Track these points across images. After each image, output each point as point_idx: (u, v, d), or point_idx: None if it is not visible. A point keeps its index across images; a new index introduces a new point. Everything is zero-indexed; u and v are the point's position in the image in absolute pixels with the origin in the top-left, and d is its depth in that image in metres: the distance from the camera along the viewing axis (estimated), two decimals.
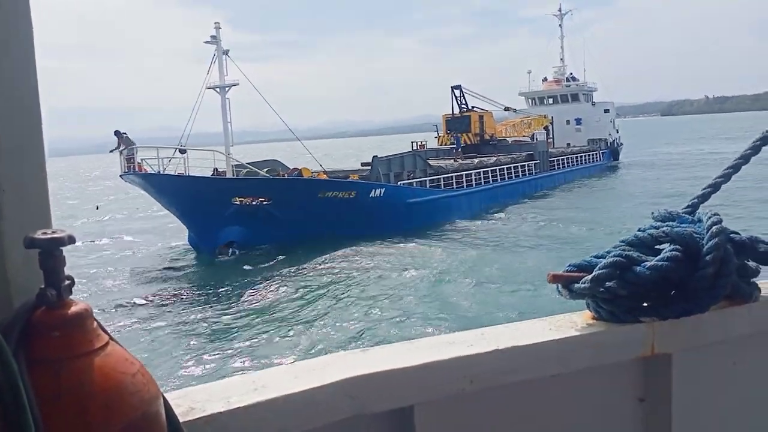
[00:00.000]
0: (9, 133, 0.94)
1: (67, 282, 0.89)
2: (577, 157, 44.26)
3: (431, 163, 30.27)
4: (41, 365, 0.84)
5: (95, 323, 0.90)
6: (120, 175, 21.51)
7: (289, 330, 12.58)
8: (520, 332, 1.40)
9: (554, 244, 20.38)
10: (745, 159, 1.78)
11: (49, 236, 0.85)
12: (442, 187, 28.71)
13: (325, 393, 1.18)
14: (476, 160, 33.33)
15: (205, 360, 11.28)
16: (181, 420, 1.01)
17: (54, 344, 0.85)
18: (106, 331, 0.92)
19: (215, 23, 22.32)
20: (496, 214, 27.86)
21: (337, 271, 17.68)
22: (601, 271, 1.39)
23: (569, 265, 1.50)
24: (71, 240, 0.87)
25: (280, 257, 19.87)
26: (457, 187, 29.45)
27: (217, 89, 22.72)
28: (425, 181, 27.98)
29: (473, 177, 30.84)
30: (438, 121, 41.92)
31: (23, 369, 0.82)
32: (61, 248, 0.87)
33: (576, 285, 1.44)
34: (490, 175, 32.26)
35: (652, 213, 1.66)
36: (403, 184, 26.46)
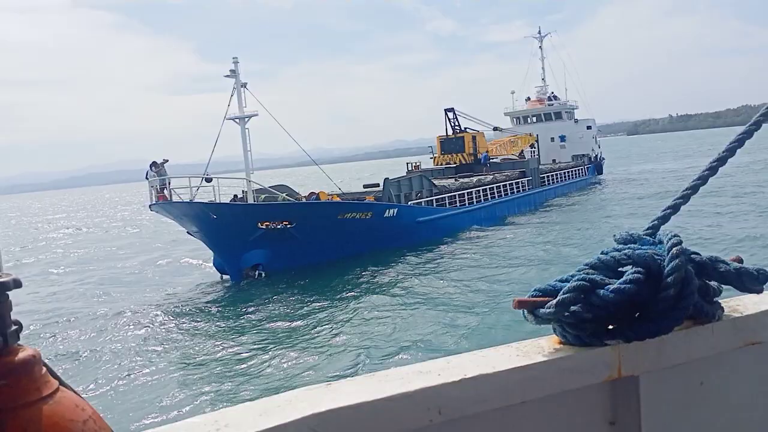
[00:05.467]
0: None
1: (14, 327, 0.84)
2: (565, 173, 46.27)
3: (434, 182, 31.65)
4: None
5: (44, 369, 0.87)
6: (149, 206, 22.27)
7: (305, 354, 12.96)
8: (487, 360, 1.38)
9: (551, 256, 21.36)
10: (702, 180, 1.79)
11: None
12: (447, 205, 30.07)
13: (290, 430, 1.15)
14: (474, 179, 34.82)
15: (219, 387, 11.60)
16: None
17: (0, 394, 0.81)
18: (56, 376, 0.89)
19: (234, 58, 23.47)
20: (496, 230, 29.17)
21: (354, 295, 18.16)
22: (565, 295, 1.40)
23: (534, 290, 1.48)
24: (17, 284, 0.84)
25: (303, 281, 20.50)
26: (459, 205, 30.85)
27: (237, 120, 23.79)
28: (432, 200, 29.29)
29: (474, 195, 32.32)
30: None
31: None
32: (6, 293, 0.84)
33: (541, 310, 1.43)
34: (488, 192, 33.78)
35: (614, 235, 1.66)
36: (413, 203, 27.73)
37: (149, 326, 16.98)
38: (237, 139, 24.08)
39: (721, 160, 1.78)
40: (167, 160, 23.06)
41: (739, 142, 1.79)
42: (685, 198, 1.79)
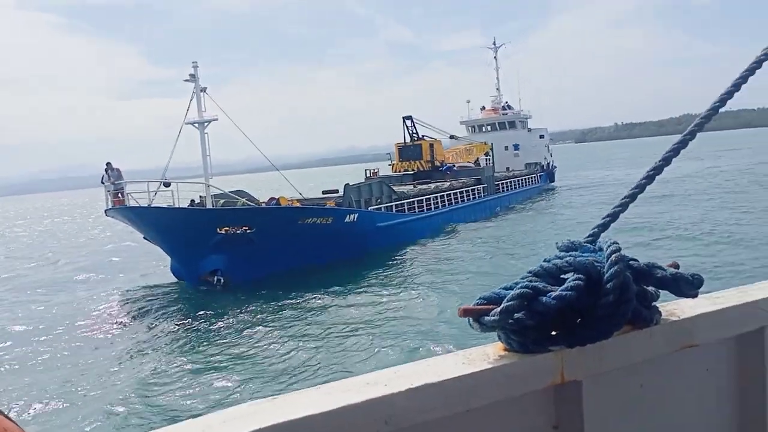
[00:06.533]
0: None
1: None
2: (518, 180, 47.59)
3: (394, 189, 32.09)
4: None
5: None
6: (105, 211, 21.82)
7: (253, 366, 12.79)
8: (434, 368, 1.39)
9: (504, 262, 21.92)
10: (640, 188, 1.85)
11: None
12: (406, 211, 30.53)
13: None
14: (432, 185, 35.46)
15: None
16: None
17: None
18: None
19: (193, 63, 23.33)
20: (453, 235, 29.74)
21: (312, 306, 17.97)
22: (509, 303, 1.41)
23: (479, 298, 1.49)
24: None
25: (260, 291, 20.11)
26: (418, 211, 31.37)
27: (196, 125, 23.59)
28: (391, 206, 29.70)
29: (431, 201, 32.93)
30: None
31: None
32: None
33: (486, 318, 1.44)
34: (445, 198, 34.46)
35: (557, 243, 1.68)
36: (372, 209, 28.05)
37: (86, 337, 16.53)
38: (189, 145, 23.89)
39: (658, 170, 1.85)
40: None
41: (674, 152, 1.86)
42: (623, 206, 1.84)
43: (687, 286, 1.59)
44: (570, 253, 1.57)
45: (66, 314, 19.43)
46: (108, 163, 21.50)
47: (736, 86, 1.88)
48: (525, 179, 49.21)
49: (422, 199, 32.21)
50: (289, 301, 18.46)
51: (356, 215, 25.51)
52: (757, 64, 1.87)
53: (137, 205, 21.42)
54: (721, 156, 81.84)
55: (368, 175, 39.22)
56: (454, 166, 42.75)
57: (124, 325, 17.69)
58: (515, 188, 46.20)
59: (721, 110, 1.92)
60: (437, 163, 41.74)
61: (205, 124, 23.53)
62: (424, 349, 12.49)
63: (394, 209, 29.75)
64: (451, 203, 34.92)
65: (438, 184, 36.34)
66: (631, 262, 1.52)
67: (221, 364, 13.18)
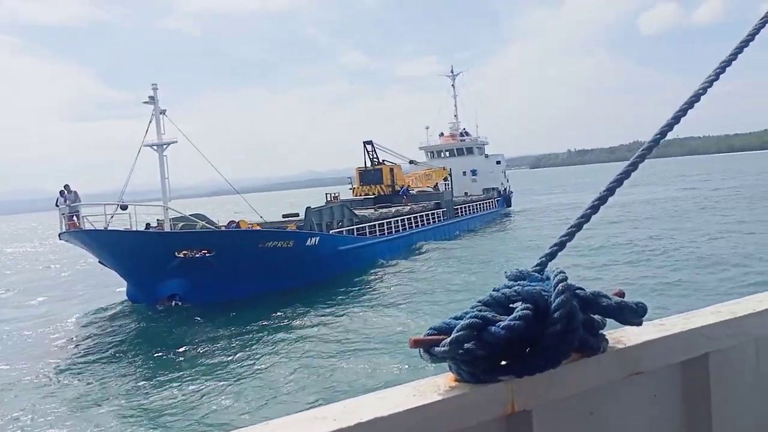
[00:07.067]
0: None
1: None
2: (476, 205, 48.52)
3: (355, 212, 32.25)
4: None
5: None
6: (59, 234, 21.20)
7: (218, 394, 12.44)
8: (384, 401, 1.38)
9: (464, 285, 21.93)
10: (586, 218, 1.88)
11: None
12: (367, 234, 30.68)
13: None
14: (393, 209, 35.82)
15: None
16: None
17: None
18: None
19: (153, 85, 23.14)
20: (413, 259, 29.99)
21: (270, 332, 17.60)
22: (459, 333, 1.41)
23: (430, 329, 1.49)
24: None
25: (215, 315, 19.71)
26: (379, 234, 31.57)
27: (155, 147, 23.31)
28: (353, 229, 29.80)
29: (392, 225, 33.22)
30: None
31: None
32: None
33: (436, 348, 1.44)
34: (406, 222, 34.82)
35: (506, 272, 1.69)
36: (334, 232, 28.09)
37: (29, 363, 15.97)
38: (144, 168, 23.58)
39: (602, 200, 1.88)
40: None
41: (618, 182, 1.90)
42: (570, 236, 1.86)
43: (631, 314, 1.61)
44: (518, 282, 1.58)
45: (15, 340, 18.69)
46: (66, 185, 20.99)
47: (676, 119, 2.01)
48: (483, 204, 50.24)
49: (383, 223, 32.49)
50: (247, 326, 18.22)
51: (317, 238, 25.49)
52: (696, 98, 2.03)
53: (92, 228, 20.91)
54: (672, 182, 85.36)
55: (329, 198, 39.24)
56: (408, 188, 43.16)
57: (68, 351, 17.15)
58: (473, 212, 47.08)
59: (669, 138, 2.04)
60: (397, 188, 42.22)
61: (165, 146, 23.28)
62: (387, 372, 12.54)
63: (355, 233, 29.90)
64: (412, 227, 35.33)
65: (398, 208, 36.74)
66: (577, 291, 1.53)
67: (167, 394, 12.76)
